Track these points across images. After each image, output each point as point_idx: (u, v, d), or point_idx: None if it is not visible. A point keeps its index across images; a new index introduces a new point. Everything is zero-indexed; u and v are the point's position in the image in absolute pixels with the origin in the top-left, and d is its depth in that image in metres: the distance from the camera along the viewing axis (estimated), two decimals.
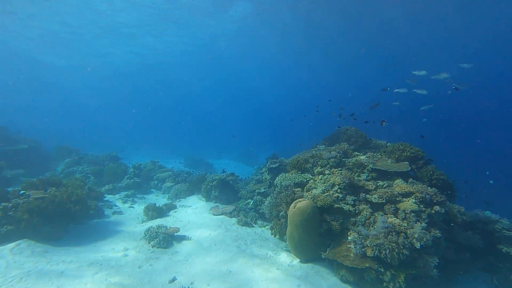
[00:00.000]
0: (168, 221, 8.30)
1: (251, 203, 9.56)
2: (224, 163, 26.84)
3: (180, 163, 20.70)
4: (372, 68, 32.13)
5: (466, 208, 5.80)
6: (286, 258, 6.15)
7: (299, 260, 6.06)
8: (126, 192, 11.40)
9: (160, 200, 11.35)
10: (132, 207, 10.10)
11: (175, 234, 7.00)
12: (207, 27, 23.34)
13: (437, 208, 5.18)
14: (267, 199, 8.34)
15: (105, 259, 5.75)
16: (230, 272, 5.42)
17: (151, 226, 7.16)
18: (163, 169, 14.53)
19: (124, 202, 10.51)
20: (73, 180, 9.03)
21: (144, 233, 7.04)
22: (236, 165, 29.02)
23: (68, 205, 6.81)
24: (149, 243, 6.64)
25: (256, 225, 8.42)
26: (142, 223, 8.33)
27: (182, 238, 7.02)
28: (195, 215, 8.88)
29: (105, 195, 10.61)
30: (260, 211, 8.90)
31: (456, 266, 5.60)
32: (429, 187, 5.58)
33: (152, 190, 12.99)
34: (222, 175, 10.96)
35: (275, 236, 7.19)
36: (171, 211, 9.37)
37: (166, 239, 6.67)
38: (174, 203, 10.24)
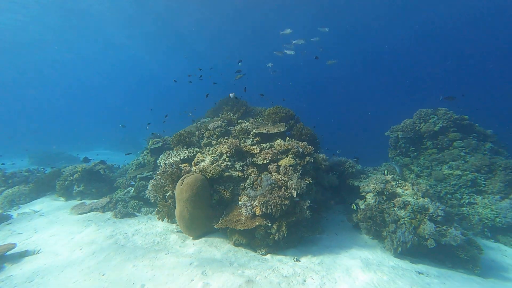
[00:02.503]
0: None
1: (132, 190, 8.07)
2: (98, 154, 22.02)
3: (13, 163, 14.95)
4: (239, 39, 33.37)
5: (327, 155, 7.07)
6: (177, 239, 5.53)
7: (191, 238, 5.59)
8: None
9: None
10: None
11: (8, 253, 4.82)
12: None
13: (308, 158, 5.95)
14: (150, 181, 7.21)
15: None
16: (103, 275, 4.25)
17: None
18: None
19: None
20: None
21: None
22: (114, 154, 24.61)
23: None
24: None
25: (140, 214, 7.20)
26: None
27: (23, 255, 4.93)
28: (47, 221, 6.53)
29: None
30: (145, 197, 7.66)
31: (322, 205, 6.82)
32: (300, 142, 6.32)
33: None
34: (88, 164, 8.63)
35: (162, 220, 6.34)
36: (0, 225, 6.47)
37: None
38: (6, 213, 7.15)
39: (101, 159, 9.39)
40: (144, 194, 7.78)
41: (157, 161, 7.64)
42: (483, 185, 7.26)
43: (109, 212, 7.11)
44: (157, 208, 6.64)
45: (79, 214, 6.91)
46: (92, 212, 7.04)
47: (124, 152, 25.51)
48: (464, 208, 7.21)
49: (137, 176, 8.55)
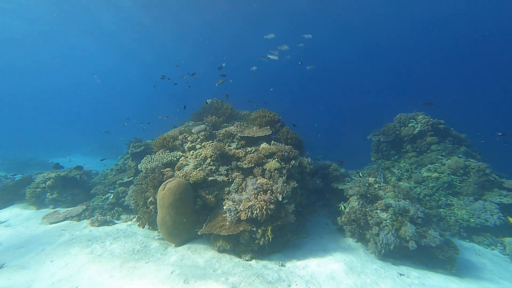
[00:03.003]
0: None
1: (111, 197, 7.70)
2: (71, 161, 20.96)
3: None
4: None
5: (312, 158, 7.13)
6: (158, 247, 5.29)
7: (174, 245, 5.38)
8: None
9: None
10: None
11: None
12: None
13: (293, 162, 5.95)
14: (130, 187, 6.92)
15: None
16: None
17: None
18: None
19: None
20: None
21: None
22: (95, 159, 23.58)
23: None
24: None
25: (119, 221, 6.85)
26: None
27: None
28: (14, 232, 6.04)
29: None
30: (124, 203, 7.33)
31: (307, 208, 6.82)
32: (286, 145, 6.32)
33: None
34: (62, 170, 8.15)
35: (143, 227, 6.07)
36: None
37: None
38: None
39: (78, 165, 8.90)
40: (124, 201, 7.44)
41: (138, 166, 7.35)
42: (459, 187, 7.59)
43: (86, 220, 6.73)
44: (137, 215, 6.36)
45: (51, 223, 6.47)
46: (67, 221, 6.62)
47: (105, 157, 24.59)
48: (441, 210, 7.50)
49: (117, 182, 8.19)
